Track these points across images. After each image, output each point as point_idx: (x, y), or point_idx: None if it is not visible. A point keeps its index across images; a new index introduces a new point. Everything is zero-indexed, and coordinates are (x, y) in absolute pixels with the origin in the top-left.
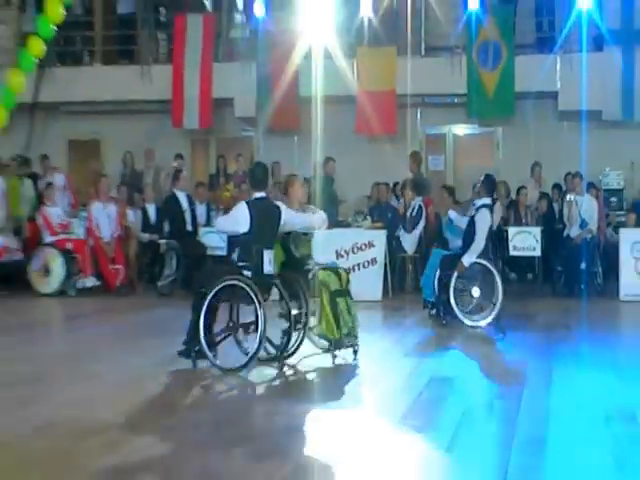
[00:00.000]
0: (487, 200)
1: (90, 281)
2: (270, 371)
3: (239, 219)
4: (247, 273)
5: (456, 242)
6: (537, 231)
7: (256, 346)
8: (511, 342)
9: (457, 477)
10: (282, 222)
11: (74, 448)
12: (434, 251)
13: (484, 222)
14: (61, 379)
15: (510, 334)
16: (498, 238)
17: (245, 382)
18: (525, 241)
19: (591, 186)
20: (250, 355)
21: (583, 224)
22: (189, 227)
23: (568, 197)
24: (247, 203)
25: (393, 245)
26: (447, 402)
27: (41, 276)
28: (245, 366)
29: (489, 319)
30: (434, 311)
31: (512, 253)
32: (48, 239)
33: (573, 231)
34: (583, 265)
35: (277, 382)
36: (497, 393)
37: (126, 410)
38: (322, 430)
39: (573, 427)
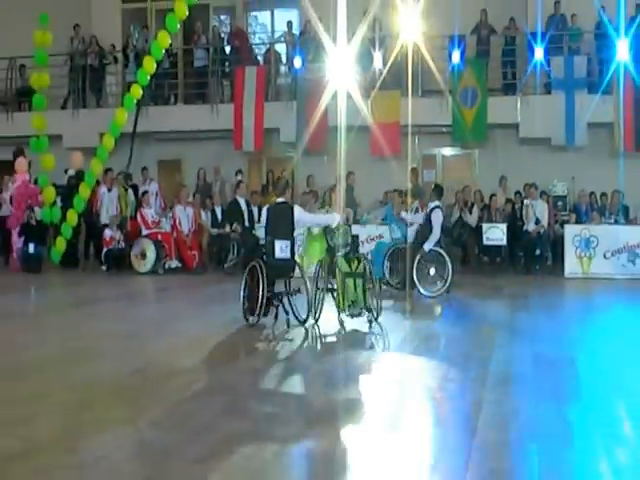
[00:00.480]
0: (438, 202)
1: (174, 263)
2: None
3: (263, 218)
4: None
5: (396, 233)
6: (504, 227)
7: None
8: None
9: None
10: (295, 219)
11: (159, 386)
12: (378, 243)
13: (438, 219)
14: (152, 334)
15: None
16: (476, 232)
17: (288, 336)
18: (495, 234)
19: (543, 193)
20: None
21: (537, 221)
22: (247, 223)
23: (525, 202)
24: (269, 206)
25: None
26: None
27: (139, 259)
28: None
29: (442, 290)
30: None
31: (485, 243)
32: (144, 232)
33: (530, 227)
34: (537, 251)
35: (309, 340)
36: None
37: (200, 358)
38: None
39: (530, 367)
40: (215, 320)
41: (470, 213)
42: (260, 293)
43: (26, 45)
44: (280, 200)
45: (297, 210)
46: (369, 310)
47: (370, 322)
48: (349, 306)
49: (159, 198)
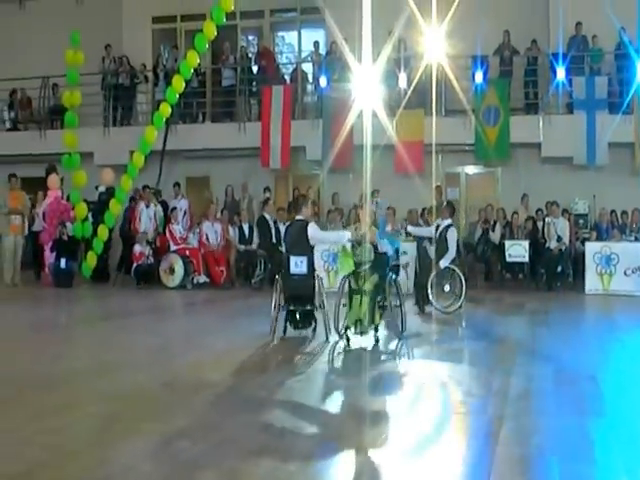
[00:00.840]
0: (449, 221)
1: (202, 278)
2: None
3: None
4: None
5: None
6: (526, 244)
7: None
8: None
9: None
10: (309, 236)
11: (187, 399)
12: None
13: (453, 237)
14: (180, 348)
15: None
16: (498, 249)
17: (314, 350)
18: (517, 251)
19: (564, 211)
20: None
21: (559, 239)
22: (274, 240)
23: (547, 220)
24: (287, 224)
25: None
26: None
27: (167, 274)
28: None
29: (456, 306)
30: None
31: (508, 260)
32: (172, 248)
33: (552, 244)
34: (559, 268)
35: (333, 355)
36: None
37: (227, 371)
38: None
39: (551, 383)
40: (242, 334)
41: (493, 231)
42: (273, 307)
43: (59, 64)
44: (298, 217)
45: (311, 227)
46: (376, 329)
47: (376, 341)
48: (354, 324)
49: (187, 215)
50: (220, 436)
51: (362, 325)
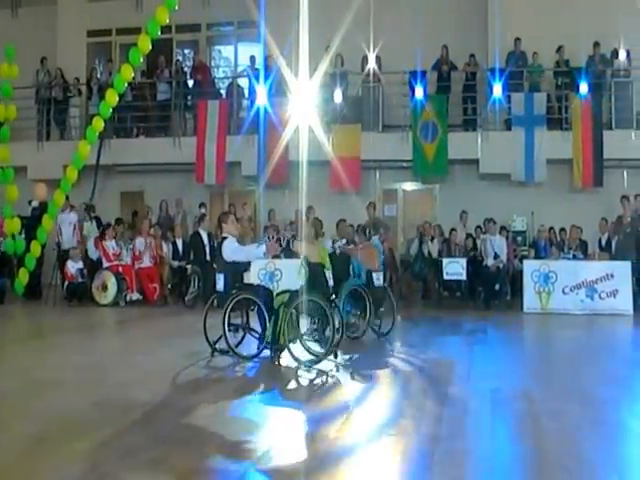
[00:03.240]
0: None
1: (135, 296)
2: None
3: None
4: None
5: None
6: (463, 261)
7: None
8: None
9: None
10: (223, 252)
11: (116, 419)
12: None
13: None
14: (111, 366)
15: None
16: (436, 267)
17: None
18: (454, 269)
19: (502, 229)
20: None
21: (496, 256)
22: (207, 256)
23: (482, 237)
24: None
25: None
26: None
27: (100, 292)
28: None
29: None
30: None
31: (445, 277)
32: (105, 264)
33: (489, 262)
34: (497, 287)
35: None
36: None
37: (157, 391)
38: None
39: (487, 403)
40: (173, 353)
41: (431, 242)
42: (203, 323)
43: None
44: (223, 234)
45: (225, 242)
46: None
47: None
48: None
49: (76, 230)
50: (148, 456)
51: (282, 339)
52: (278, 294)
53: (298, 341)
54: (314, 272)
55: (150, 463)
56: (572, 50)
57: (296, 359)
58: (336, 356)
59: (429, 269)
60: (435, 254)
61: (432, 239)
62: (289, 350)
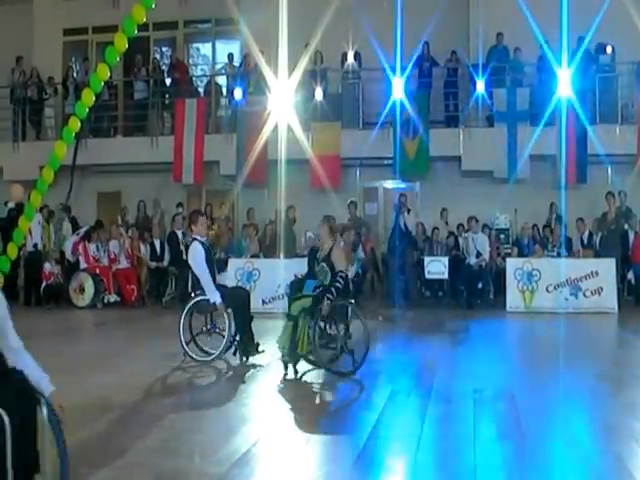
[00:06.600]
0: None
1: (113, 297)
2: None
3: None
4: None
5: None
6: (445, 260)
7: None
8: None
9: None
10: (188, 254)
11: (93, 422)
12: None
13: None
14: (88, 369)
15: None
16: (417, 266)
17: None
18: (436, 267)
19: (485, 226)
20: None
21: (478, 254)
22: (184, 256)
23: (464, 235)
24: None
25: None
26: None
27: (77, 293)
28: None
29: None
30: None
31: (427, 276)
32: (83, 266)
33: (471, 260)
34: (479, 285)
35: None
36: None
37: (135, 393)
38: None
39: (470, 403)
40: (151, 355)
41: (407, 214)
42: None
43: None
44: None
45: (192, 246)
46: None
47: (295, 372)
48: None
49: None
50: (125, 460)
51: (286, 353)
52: (297, 298)
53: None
54: (339, 280)
55: (126, 467)
56: (555, 45)
57: (316, 364)
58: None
59: (410, 268)
60: (411, 227)
61: (409, 211)
62: (308, 359)
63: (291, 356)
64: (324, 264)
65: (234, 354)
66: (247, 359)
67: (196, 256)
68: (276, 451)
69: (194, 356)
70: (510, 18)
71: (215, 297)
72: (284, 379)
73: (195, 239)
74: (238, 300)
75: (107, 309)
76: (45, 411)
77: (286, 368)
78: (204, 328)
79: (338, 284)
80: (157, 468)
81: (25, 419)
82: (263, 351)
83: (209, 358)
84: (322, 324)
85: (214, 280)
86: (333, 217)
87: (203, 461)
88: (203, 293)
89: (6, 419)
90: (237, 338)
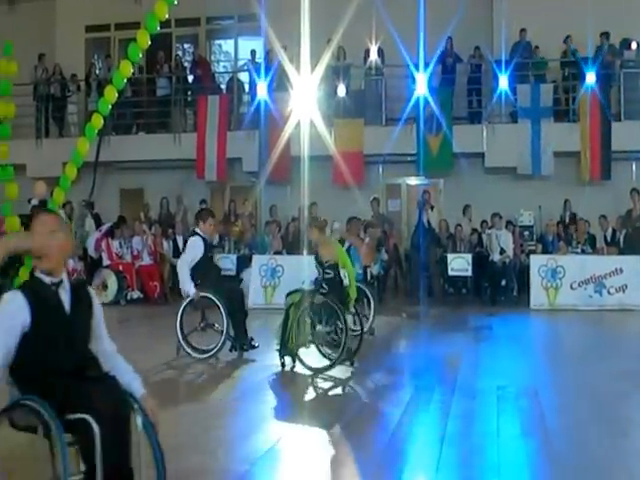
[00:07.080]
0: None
1: (136, 294)
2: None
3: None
4: None
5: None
6: (469, 257)
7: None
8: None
9: None
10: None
11: None
12: None
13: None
14: None
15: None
16: (441, 263)
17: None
18: (460, 264)
19: (509, 223)
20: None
21: (502, 251)
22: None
23: (488, 232)
24: None
25: None
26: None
27: (100, 290)
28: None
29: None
30: None
31: (450, 273)
32: (106, 262)
33: (495, 257)
34: (503, 282)
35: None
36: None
37: (157, 387)
38: None
39: (494, 400)
40: (174, 351)
41: (431, 210)
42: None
43: None
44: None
45: (190, 239)
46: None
47: (292, 368)
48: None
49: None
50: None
51: (291, 343)
52: (289, 294)
53: (312, 345)
54: (328, 272)
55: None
56: (580, 40)
57: (308, 367)
58: (352, 363)
59: (434, 265)
60: (434, 224)
61: (432, 208)
62: (298, 357)
63: (282, 352)
64: (314, 260)
65: (230, 350)
66: (242, 354)
67: (189, 248)
68: (299, 448)
69: (189, 351)
70: (534, 13)
71: (188, 288)
72: (295, 376)
73: (197, 233)
74: (232, 295)
75: (130, 305)
76: (140, 419)
77: (283, 366)
78: (199, 325)
79: (327, 275)
80: (176, 465)
81: (118, 428)
82: (258, 346)
83: (205, 355)
84: (309, 320)
85: (218, 274)
86: (322, 219)
87: (226, 458)
88: (202, 287)
89: (95, 427)
90: (232, 334)
